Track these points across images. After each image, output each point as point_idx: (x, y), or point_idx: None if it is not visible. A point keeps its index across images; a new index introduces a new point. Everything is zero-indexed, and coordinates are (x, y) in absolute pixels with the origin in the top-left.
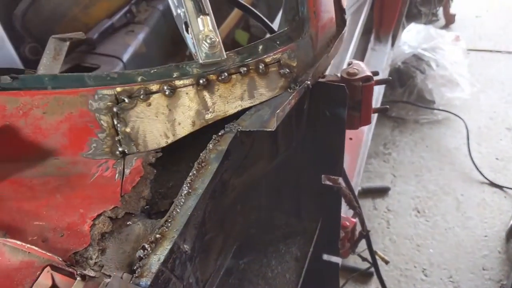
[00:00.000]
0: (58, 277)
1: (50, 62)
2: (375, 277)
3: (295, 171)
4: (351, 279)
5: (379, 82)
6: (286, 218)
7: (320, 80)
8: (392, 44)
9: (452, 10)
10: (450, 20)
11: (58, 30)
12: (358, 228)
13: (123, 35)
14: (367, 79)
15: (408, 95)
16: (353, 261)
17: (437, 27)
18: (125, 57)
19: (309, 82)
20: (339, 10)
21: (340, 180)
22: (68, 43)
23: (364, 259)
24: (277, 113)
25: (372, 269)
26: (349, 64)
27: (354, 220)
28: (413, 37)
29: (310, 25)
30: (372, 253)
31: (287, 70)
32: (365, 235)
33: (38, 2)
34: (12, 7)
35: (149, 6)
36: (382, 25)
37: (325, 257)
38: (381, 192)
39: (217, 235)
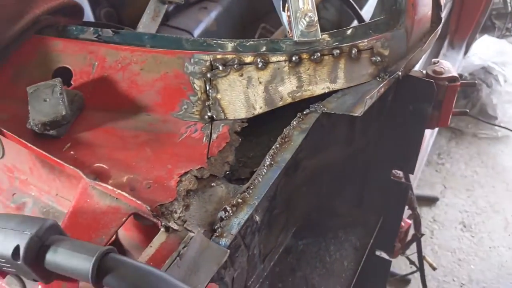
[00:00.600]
0: (141, 229)
1: (149, 21)
2: (411, 284)
3: (365, 161)
4: (387, 283)
5: (464, 85)
6: (348, 207)
7: (409, 74)
8: (465, 53)
9: None
10: None
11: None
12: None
13: (196, 11)
14: (453, 79)
15: (470, 107)
16: (392, 265)
17: (510, 42)
18: (196, 32)
19: (400, 73)
20: (436, 6)
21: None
22: (166, 5)
23: (411, 262)
24: (366, 99)
25: (409, 277)
26: (435, 62)
27: (409, 221)
28: (484, 49)
29: (406, 17)
30: (421, 257)
31: (379, 58)
32: (418, 238)
33: None
34: None
35: None
36: (457, 31)
37: (378, 253)
38: (429, 201)
39: (282, 212)
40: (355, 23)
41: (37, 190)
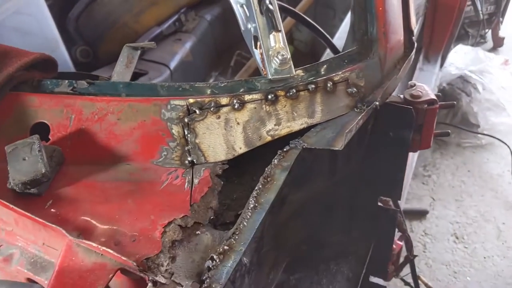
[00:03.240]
0: (129, 282)
1: (123, 69)
2: None
3: (350, 190)
4: None
5: (442, 106)
6: (337, 237)
7: (387, 101)
8: (441, 65)
9: (501, 33)
10: (498, 43)
11: (109, 35)
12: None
13: (171, 43)
14: (432, 102)
15: (451, 117)
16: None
17: (485, 49)
18: (172, 64)
19: (377, 103)
20: (408, 32)
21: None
22: (139, 51)
23: (406, 284)
24: (346, 133)
25: None
26: (411, 85)
27: (400, 243)
28: (460, 58)
29: (379, 46)
30: (416, 278)
31: (355, 89)
32: (411, 259)
33: (92, 7)
34: (66, 11)
35: (197, 16)
36: (432, 44)
37: (372, 279)
38: (419, 214)
39: (270, 249)
40: (328, 51)
41: (24, 241)
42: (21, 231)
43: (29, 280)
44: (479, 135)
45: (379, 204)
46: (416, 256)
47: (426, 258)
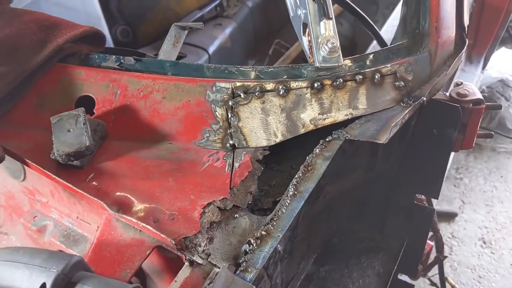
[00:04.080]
0: (166, 260)
1: (170, 48)
2: None
3: (386, 185)
4: None
5: (489, 107)
6: (369, 232)
7: (434, 97)
8: (483, 67)
9: None
10: None
11: (149, 17)
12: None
13: (211, 28)
14: (478, 102)
15: (488, 121)
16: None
17: None
18: (211, 49)
19: (425, 99)
20: (459, 28)
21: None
22: (187, 31)
23: (433, 284)
24: (392, 127)
25: None
26: (458, 84)
27: (431, 243)
28: (501, 62)
29: (430, 41)
30: (443, 279)
31: (402, 83)
32: (441, 260)
33: None
34: None
35: (238, 2)
36: (475, 46)
37: (401, 277)
38: (448, 217)
39: (303, 239)
40: (374, 43)
41: (58, 213)
42: (56, 203)
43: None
44: None
45: (415, 202)
46: (446, 257)
47: (452, 261)
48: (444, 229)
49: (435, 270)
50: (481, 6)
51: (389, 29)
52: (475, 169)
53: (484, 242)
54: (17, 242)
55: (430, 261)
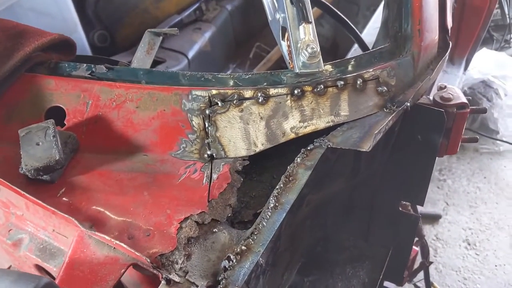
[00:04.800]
0: (142, 278)
1: (144, 55)
2: None
3: (371, 192)
4: None
5: (473, 111)
6: (353, 240)
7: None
8: (465, 68)
9: None
10: None
11: (127, 20)
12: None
13: (191, 32)
14: (462, 106)
15: (470, 122)
16: None
17: (509, 54)
18: (190, 54)
19: (408, 104)
20: (443, 30)
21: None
22: (161, 38)
23: None
24: (375, 134)
25: None
26: (441, 87)
27: (416, 248)
28: (483, 62)
29: (412, 44)
30: (429, 284)
31: (385, 88)
32: (427, 266)
33: None
34: None
35: (218, 5)
36: (457, 47)
37: (386, 284)
38: (432, 219)
39: (286, 249)
40: (355, 47)
41: (34, 226)
42: (31, 216)
43: (37, 266)
44: (498, 142)
45: (400, 209)
46: (431, 263)
47: (437, 263)
48: (428, 231)
49: (420, 275)
50: (462, 6)
51: (370, 32)
52: (458, 170)
53: (469, 244)
54: None
55: (415, 266)
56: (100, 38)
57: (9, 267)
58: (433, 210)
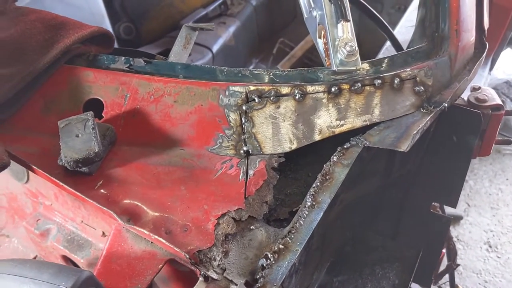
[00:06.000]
0: (178, 273)
1: (181, 50)
2: None
3: (402, 193)
4: None
5: (508, 113)
6: (383, 241)
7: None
8: (491, 68)
9: None
10: None
11: (153, 14)
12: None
13: (215, 26)
14: (498, 107)
15: None
16: None
17: None
18: (215, 48)
19: (446, 105)
20: (479, 31)
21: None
22: (197, 32)
23: None
24: (414, 134)
25: None
26: (475, 88)
27: (443, 251)
28: (507, 63)
29: (450, 44)
30: (454, 287)
31: (422, 88)
32: (454, 268)
33: None
34: None
35: (242, 0)
36: None
37: (413, 286)
38: (453, 220)
39: (317, 248)
40: (387, 45)
41: (62, 217)
42: (59, 207)
43: (64, 257)
44: None
45: (432, 210)
46: (458, 265)
47: None
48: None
49: (444, 277)
50: (489, 6)
51: (402, 31)
52: (480, 171)
53: (490, 246)
54: (19, 245)
55: (441, 268)
56: (126, 30)
57: (34, 257)
58: (454, 211)
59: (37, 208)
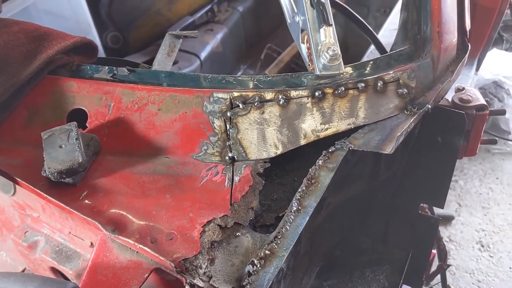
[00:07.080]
0: (164, 282)
1: (164, 58)
2: None
3: (389, 195)
4: None
5: (493, 113)
6: (372, 243)
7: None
8: (477, 69)
9: None
10: None
11: (140, 22)
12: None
13: (203, 33)
14: (482, 107)
15: None
16: None
17: None
18: (203, 55)
19: (430, 106)
20: (461, 32)
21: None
22: (181, 40)
23: None
24: (397, 136)
25: None
26: (459, 89)
27: (433, 251)
28: (493, 63)
29: (432, 46)
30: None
31: (406, 90)
32: (445, 269)
33: None
34: None
35: (229, 7)
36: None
37: (404, 287)
38: (444, 220)
39: (305, 253)
40: (371, 48)
41: (50, 228)
42: (47, 218)
43: (53, 269)
44: (510, 142)
45: (420, 212)
46: (449, 265)
47: None
48: (441, 232)
49: (436, 278)
50: (473, 7)
51: (385, 34)
52: (470, 171)
53: (482, 246)
54: (7, 258)
55: (432, 269)
56: (113, 39)
57: (23, 270)
58: (445, 211)
59: (25, 220)
